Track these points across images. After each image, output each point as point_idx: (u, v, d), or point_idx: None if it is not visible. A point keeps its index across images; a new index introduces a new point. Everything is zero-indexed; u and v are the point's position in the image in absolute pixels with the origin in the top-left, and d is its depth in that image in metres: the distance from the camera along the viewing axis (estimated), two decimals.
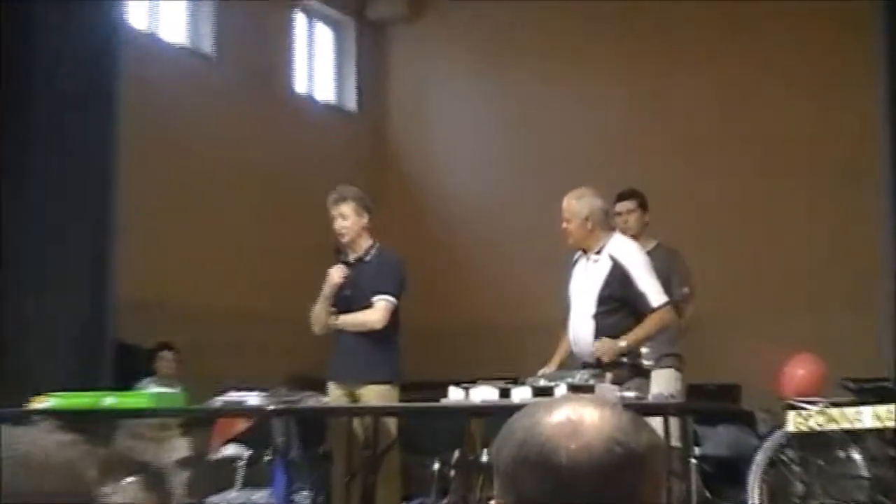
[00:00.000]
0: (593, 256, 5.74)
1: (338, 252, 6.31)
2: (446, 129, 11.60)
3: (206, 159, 9.68)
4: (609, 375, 5.40)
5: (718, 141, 10.29)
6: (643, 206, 6.76)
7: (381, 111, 11.91)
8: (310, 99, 11.42)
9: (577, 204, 5.73)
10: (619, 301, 5.66)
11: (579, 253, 5.85)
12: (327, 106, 11.62)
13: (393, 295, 6.18)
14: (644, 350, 5.77)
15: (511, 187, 11.12)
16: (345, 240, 6.26)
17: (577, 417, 1.43)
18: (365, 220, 6.27)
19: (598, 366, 5.50)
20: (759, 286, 9.87)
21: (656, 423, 5.37)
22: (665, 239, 6.88)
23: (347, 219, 6.24)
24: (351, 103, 11.85)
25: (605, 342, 5.53)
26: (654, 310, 5.62)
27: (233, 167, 9.92)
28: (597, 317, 5.68)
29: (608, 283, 5.67)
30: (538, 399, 5.02)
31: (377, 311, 6.14)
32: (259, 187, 10.22)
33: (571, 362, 5.83)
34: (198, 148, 9.63)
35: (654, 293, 5.66)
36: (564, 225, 5.74)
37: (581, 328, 5.72)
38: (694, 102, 10.42)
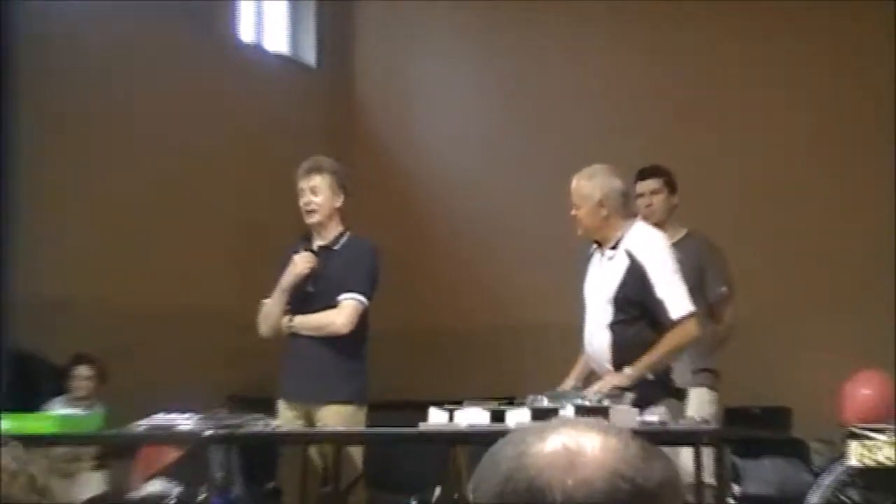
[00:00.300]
0: (608, 252, 5.73)
1: (304, 237, 6.31)
2: (425, 93, 11.61)
3: (125, 127, 9.65)
4: (629, 395, 5.42)
5: (761, 107, 10.32)
6: (670, 185, 6.77)
7: (345, 68, 11.91)
8: (258, 49, 11.41)
9: (589, 185, 5.72)
10: (639, 308, 5.66)
11: (595, 245, 5.86)
12: (280, 58, 11.62)
13: (363, 294, 6.19)
14: (677, 367, 5.78)
15: (503, 165, 11.15)
16: (314, 219, 6.26)
17: (574, 446, 1.42)
18: (340, 200, 6.28)
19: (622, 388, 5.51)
20: (816, 286, 9.91)
21: (685, 453, 5.41)
22: (698, 227, 6.89)
23: (319, 194, 6.24)
24: (308, 57, 11.85)
25: (605, 379, 5.56)
26: (673, 323, 5.62)
27: (159, 135, 9.90)
28: (614, 327, 5.68)
29: (625, 285, 5.66)
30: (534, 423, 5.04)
31: (343, 313, 6.15)
32: (193, 158, 10.21)
33: (595, 378, 5.83)
34: (115, 113, 9.61)
35: (676, 301, 5.64)
36: (573, 211, 5.75)
37: (596, 339, 5.73)
38: (724, 61, 10.44)
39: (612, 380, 5.55)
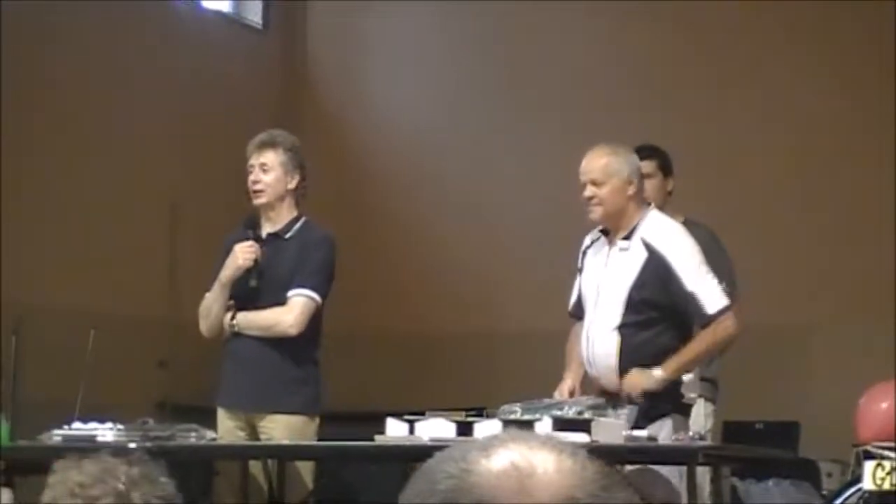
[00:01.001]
0: (621, 242, 5.67)
1: (249, 222, 6.27)
2: (385, 58, 11.58)
3: (41, 91, 9.60)
4: (626, 410, 5.41)
5: (775, 81, 10.35)
6: (665, 169, 6.78)
7: (295, 29, 11.88)
8: (196, 8, 11.36)
9: (616, 160, 5.65)
10: (658, 309, 5.61)
11: (596, 234, 5.81)
12: (221, 18, 11.57)
13: (317, 290, 6.16)
14: (687, 377, 5.74)
15: (475, 142, 11.13)
16: (260, 200, 6.22)
17: (525, 465, 1.40)
18: (294, 181, 6.24)
19: (629, 400, 5.50)
20: (829, 292, 9.94)
21: (676, 474, 5.42)
22: (697, 216, 6.90)
23: (270, 172, 6.20)
24: (254, 16, 11.81)
25: (635, 375, 5.49)
26: (710, 318, 5.55)
27: (78, 105, 9.84)
28: (623, 330, 5.62)
29: (642, 282, 5.59)
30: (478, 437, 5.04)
31: (292, 311, 6.12)
32: (118, 134, 10.15)
33: (588, 388, 5.81)
34: (34, 74, 9.56)
35: (711, 294, 5.57)
36: (592, 191, 5.64)
37: (600, 345, 5.67)
38: (733, 21, 10.46)
39: (639, 380, 5.48)
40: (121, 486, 1.88)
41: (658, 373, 5.49)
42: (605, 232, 5.76)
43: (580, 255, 5.89)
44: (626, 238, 5.66)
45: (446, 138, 11.32)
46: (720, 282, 6.67)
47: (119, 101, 10.19)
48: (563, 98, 10.71)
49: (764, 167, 10.20)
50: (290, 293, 6.12)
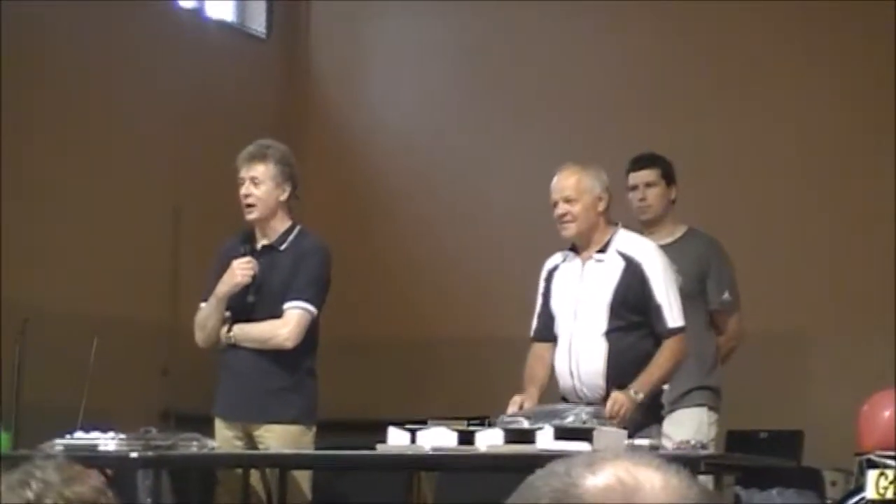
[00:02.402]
0: (595, 255, 5.81)
1: (245, 236, 6.26)
2: (388, 70, 11.58)
3: (38, 100, 9.60)
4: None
5: (782, 84, 10.33)
6: (668, 177, 6.79)
7: (299, 39, 11.88)
8: (199, 16, 11.37)
9: (588, 177, 5.80)
10: (639, 313, 5.75)
11: (559, 257, 5.92)
12: (224, 27, 11.58)
13: (311, 302, 6.15)
14: (666, 386, 5.83)
15: (477, 152, 11.13)
16: (252, 215, 6.20)
17: (631, 481, 1.40)
18: (286, 193, 6.21)
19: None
20: (833, 295, 9.93)
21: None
22: (696, 223, 6.91)
23: (261, 185, 6.16)
24: (258, 24, 11.81)
25: (619, 398, 5.56)
26: (669, 332, 5.72)
27: (79, 114, 9.84)
28: (610, 335, 5.74)
29: (624, 287, 5.74)
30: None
31: (288, 324, 6.11)
32: (120, 144, 10.16)
33: (549, 398, 5.86)
34: (34, 81, 9.56)
35: (674, 310, 5.76)
36: (564, 208, 5.77)
37: (586, 353, 5.75)
38: (737, 27, 10.45)
39: (624, 401, 5.54)
40: (30, 494, 1.88)
41: (640, 396, 5.58)
42: (573, 250, 5.88)
43: (543, 280, 5.99)
44: (601, 251, 5.80)
45: (450, 144, 11.32)
46: (723, 290, 6.71)
47: (122, 107, 10.19)
48: (567, 102, 10.71)
49: (764, 175, 10.18)
50: (286, 305, 6.11)
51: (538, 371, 5.92)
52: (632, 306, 5.73)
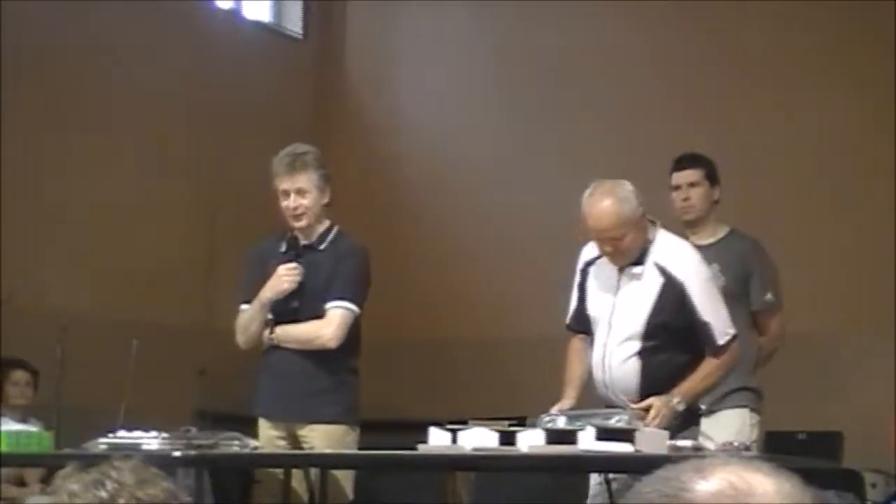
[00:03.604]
0: (633, 267, 5.64)
1: (288, 244, 6.27)
2: (423, 70, 11.60)
3: (77, 105, 9.64)
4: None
5: (818, 82, 10.29)
6: (711, 177, 6.75)
7: (334, 40, 11.91)
8: (235, 16, 11.40)
9: (627, 210, 5.53)
10: (674, 332, 5.62)
11: (596, 249, 5.76)
12: (260, 28, 11.61)
13: (354, 301, 6.16)
14: None
15: (511, 150, 11.13)
16: (301, 223, 6.20)
17: (743, 485, 1.40)
18: (327, 197, 6.23)
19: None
20: (874, 295, 9.88)
21: None
22: (742, 225, 6.89)
23: (307, 195, 6.16)
24: (294, 25, 11.84)
25: (659, 406, 5.46)
26: (720, 349, 5.59)
27: (115, 117, 9.88)
28: (644, 354, 5.64)
29: (661, 309, 5.59)
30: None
31: (331, 324, 6.12)
32: (155, 145, 10.19)
33: (589, 401, 5.83)
34: (67, 88, 9.60)
35: (723, 324, 5.61)
36: (613, 245, 5.59)
37: (620, 367, 5.67)
38: (768, 26, 10.41)
39: (664, 411, 5.45)
40: (104, 494, 1.90)
41: (681, 405, 5.49)
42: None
43: (579, 271, 5.85)
44: (638, 263, 5.63)
45: (482, 145, 11.32)
46: (766, 291, 6.68)
47: (158, 108, 10.23)
48: (596, 102, 10.71)
49: (800, 174, 10.17)
50: (328, 305, 6.12)
51: (576, 368, 5.83)
52: (668, 326, 5.59)
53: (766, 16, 10.29)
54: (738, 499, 1.39)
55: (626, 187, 5.59)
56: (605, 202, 5.54)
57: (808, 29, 10.22)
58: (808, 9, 10.06)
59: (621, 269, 5.67)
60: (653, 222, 5.69)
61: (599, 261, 5.77)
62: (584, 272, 5.84)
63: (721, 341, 5.57)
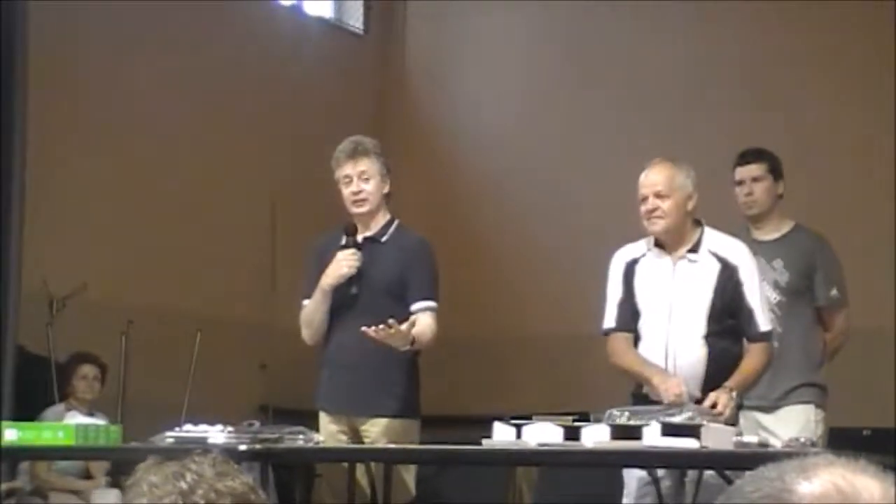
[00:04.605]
0: (688, 255, 5.73)
1: (347, 230, 6.27)
2: (479, 61, 11.60)
3: (142, 105, 9.69)
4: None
5: (880, 74, 10.20)
6: (776, 172, 6.72)
7: (395, 35, 11.92)
8: (297, 13, 11.44)
9: (681, 174, 5.71)
10: (734, 318, 5.71)
11: (637, 249, 5.84)
12: (322, 23, 11.64)
13: (435, 298, 6.19)
14: None
15: (568, 146, 11.12)
16: (363, 209, 6.20)
17: (849, 489, 1.38)
18: (387, 186, 6.24)
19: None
20: None
21: None
22: (808, 220, 6.85)
23: (371, 180, 6.17)
24: (355, 21, 11.86)
25: (723, 397, 5.50)
26: (761, 336, 5.70)
27: (180, 115, 9.93)
28: (709, 339, 5.69)
29: (721, 291, 5.68)
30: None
31: (432, 326, 6.11)
32: (220, 142, 10.24)
33: (620, 401, 5.80)
34: (130, 88, 9.65)
35: (765, 314, 5.75)
36: (655, 203, 5.70)
37: (685, 356, 5.69)
38: (826, 22, 10.34)
39: (727, 400, 5.49)
40: (184, 485, 1.92)
41: (735, 395, 5.54)
42: (658, 246, 5.79)
43: (622, 272, 5.86)
44: (693, 251, 5.72)
45: (541, 141, 11.31)
46: (831, 286, 6.64)
47: (221, 105, 10.28)
48: (658, 98, 10.68)
49: (863, 170, 10.10)
50: (417, 306, 6.10)
51: (638, 358, 5.77)
52: (728, 310, 5.69)
53: (832, 10, 10.24)
54: (843, 501, 1.37)
55: (690, 169, 5.76)
56: (665, 162, 5.77)
57: (865, 28, 10.16)
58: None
59: (674, 258, 5.74)
60: (699, 221, 5.80)
61: (645, 259, 5.83)
62: (630, 270, 5.87)
63: (762, 328, 5.69)
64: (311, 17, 11.56)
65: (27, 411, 7.19)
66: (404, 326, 5.88)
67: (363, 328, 5.90)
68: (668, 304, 5.75)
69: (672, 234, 5.75)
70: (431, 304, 6.14)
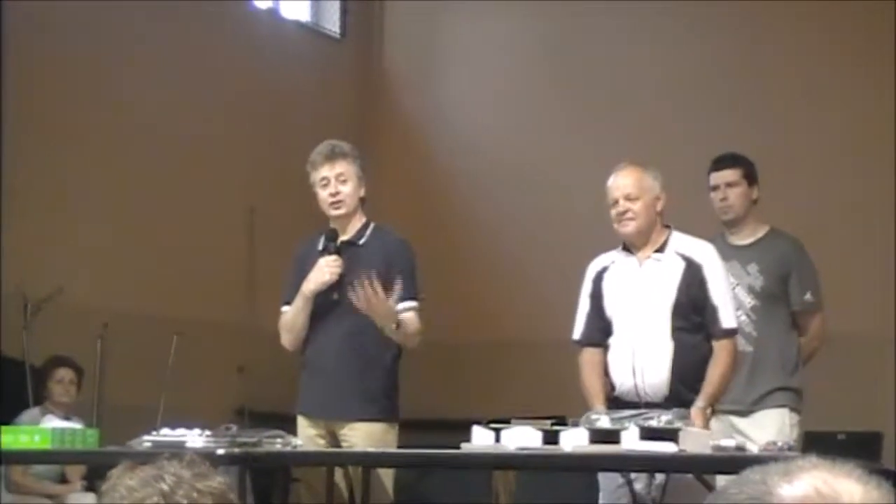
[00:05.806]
0: (654, 255, 5.83)
1: (328, 235, 6.27)
2: (461, 69, 11.61)
3: (119, 109, 9.68)
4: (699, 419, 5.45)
5: (867, 83, 10.24)
6: (750, 177, 6.76)
7: (372, 39, 11.92)
8: (274, 16, 11.43)
9: (650, 176, 5.83)
10: (700, 314, 5.77)
11: (607, 258, 5.94)
12: (299, 27, 11.63)
13: (416, 297, 6.20)
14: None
15: (548, 151, 11.12)
16: (341, 211, 6.21)
17: (830, 492, 1.38)
18: (363, 189, 6.26)
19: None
20: None
21: None
22: (783, 224, 6.88)
23: (348, 182, 6.19)
24: (332, 24, 11.86)
25: (697, 419, 5.57)
26: (723, 332, 5.74)
27: (157, 118, 9.92)
28: (676, 336, 5.76)
29: (687, 287, 5.76)
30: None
31: (414, 322, 6.14)
32: (196, 145, 10.23)
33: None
34: (107, 93, 9.64)
35: (729, 311, 5.80)
36: (626, 206, 5.80)
37: (651, 354, 5.76)
38: (815, 29, 10.38)
39: (702, 422, 5.57)
40: (165, 487, 1.93)
41: (709, 410, 5.64)
42: (625, 250, 5.89)
43: (591, 281, 5.98)
44: (659, 251, 5.82)
45: (522, 145, 11.32)
46: (806, 290, 6.67)
47: (197, 108, 10.26)
48: (642, 104, 10.70)
49: (846, 175, 10.13)
50: (399, 307, 6.10)
51: (596, 383, 5.91)
52: (693, 307, 5.75)
53: (822, 17, 10.27)
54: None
55: (657, 172, 5.88)
56: (633, 166, 5.90)
57: (855, 30, 10.19)
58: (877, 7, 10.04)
59: (641, 260, 5.84)
60: (667, 226, 5.90)
61: (614, 265, 5.93)
62: (598, 280, 5.98)
63: (725, 325, 5.73)
64: (289, 20, 11.56)
65: (2, 415, 7.17)
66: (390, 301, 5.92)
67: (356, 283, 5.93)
68: (633, 304, 5.85)
69: (643, 235, 5.84)
70: (414, 303, 6.15)
